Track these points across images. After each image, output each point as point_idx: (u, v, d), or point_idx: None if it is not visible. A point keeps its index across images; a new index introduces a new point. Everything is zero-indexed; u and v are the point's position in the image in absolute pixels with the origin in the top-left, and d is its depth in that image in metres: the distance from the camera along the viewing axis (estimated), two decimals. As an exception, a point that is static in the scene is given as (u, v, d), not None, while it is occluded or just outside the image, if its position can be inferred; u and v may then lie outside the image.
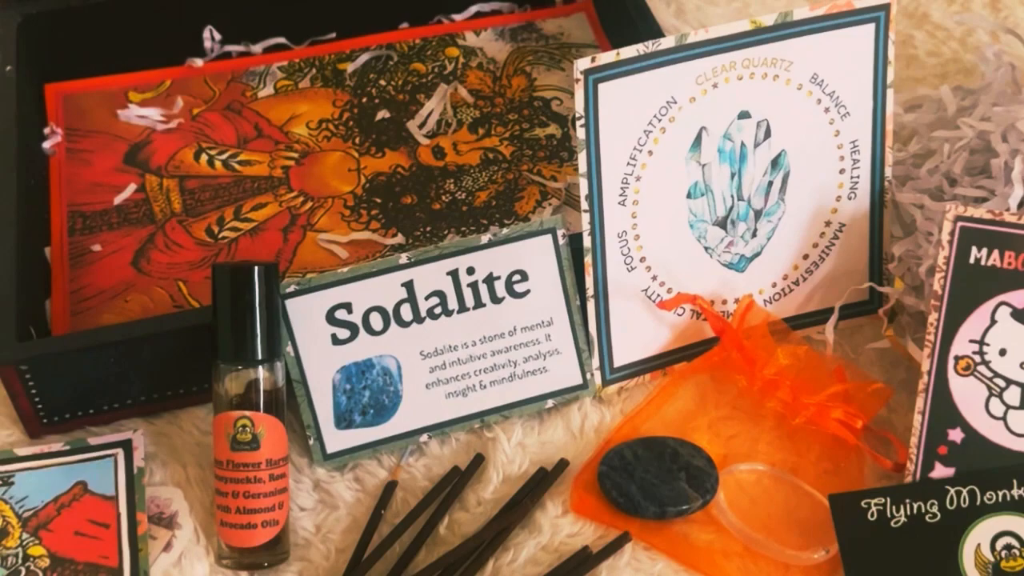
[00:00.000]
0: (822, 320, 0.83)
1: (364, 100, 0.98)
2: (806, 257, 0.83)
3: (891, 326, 0.82)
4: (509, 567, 0.73)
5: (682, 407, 0.80)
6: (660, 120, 0.75)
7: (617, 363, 0.81)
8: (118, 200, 0.91)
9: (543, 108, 0.98)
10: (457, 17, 1.05)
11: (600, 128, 0.73)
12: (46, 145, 0.93)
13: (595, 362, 0.80)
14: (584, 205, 0.76)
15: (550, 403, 0.80)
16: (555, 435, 0.79)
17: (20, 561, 0.71)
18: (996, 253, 0.73)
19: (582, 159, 0.74)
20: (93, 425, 0.79)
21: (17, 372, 0.74)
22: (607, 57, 0.72)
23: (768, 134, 0.78)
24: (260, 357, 0.72)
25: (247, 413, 0.72)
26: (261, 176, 0.93)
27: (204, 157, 0.94)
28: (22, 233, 0.82)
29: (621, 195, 0.76)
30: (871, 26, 0.78)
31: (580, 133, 0.73)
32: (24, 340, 0.76)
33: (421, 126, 0.96)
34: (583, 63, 0.72)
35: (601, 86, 0.72)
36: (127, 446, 0.76)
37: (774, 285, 0.83)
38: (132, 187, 0.91)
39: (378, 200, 0.91)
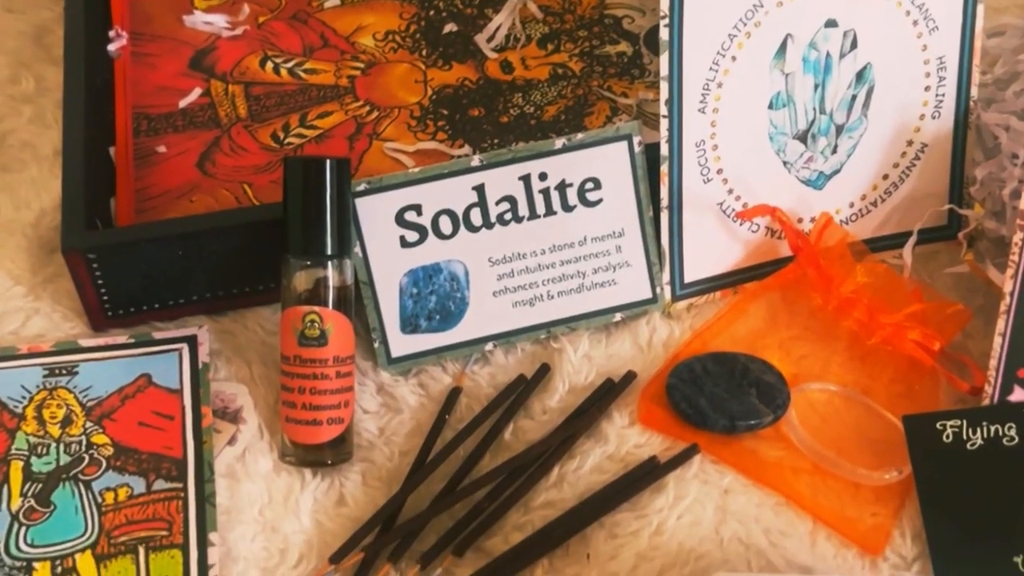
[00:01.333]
0: (899, 244, 0.81)
1: (431, 13, 0.97)
2: (886, 177, 0.81)
3: (970, 251, 0.80)
4: (575, 474, 0.72)
5: (753, 325, 0.79)
6: (746, 24, 0.73)
7: (688, 279, 0.79)
8: (183, 103, 0.90)
9: (614, 26, 0.96)
10: (527, -66, 1.02)
11: (684, 29, 0.71)
12: (111, 48, 0.92)
13: (665, 276, 0.78)
14: (663, 110, 0.74)
15: (618, 316, 0.79)
16: (622, 348, 0.78)
17: (84, 448, 0.71)
18: (1088, 171, 0.71)
19: (663, 61, 0.72)
20: (157, 320, 0.78)
21: (84, 261, 0.74)
22: (695, -46, 0.70)
23: (855, 45, 0.76)
24: (330, 252, 0.71)
25: (316, 308, 0.71)
26: (327, 85, 0.91)
27: (270, 64, 0.93)
28: (90, 130, 0.81)
29: (701, 102, 0.74)
30: (966, -66, 0.75)
31: (663, 34, 0.71)
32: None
33: (489, 40, 0.95)
34: (670, -40, 0.70)
35: (688, -16, 0.71)
36: (192, 341, 0.76)
37: (851, 205, 0.81)
38: (197, 91, 0.90)
39: (445, 112, 0.90)
